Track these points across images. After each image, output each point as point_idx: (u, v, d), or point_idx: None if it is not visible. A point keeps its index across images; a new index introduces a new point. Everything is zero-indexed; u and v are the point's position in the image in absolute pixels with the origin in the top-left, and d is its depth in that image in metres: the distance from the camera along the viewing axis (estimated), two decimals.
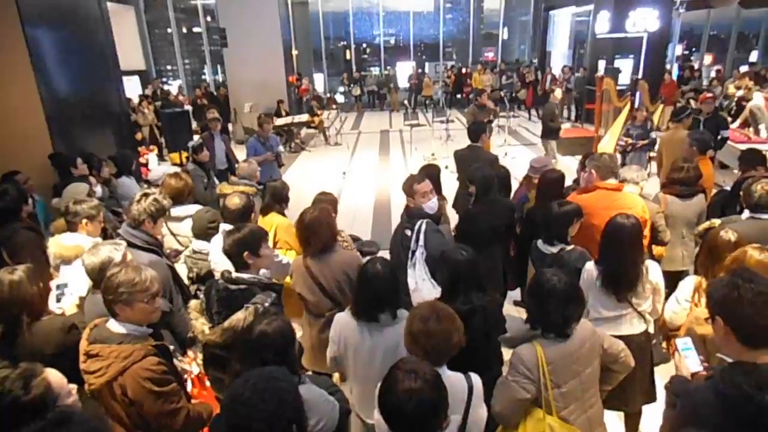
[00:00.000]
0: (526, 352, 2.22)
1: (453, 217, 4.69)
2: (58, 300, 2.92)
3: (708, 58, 20.61)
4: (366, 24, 25.16)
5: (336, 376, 3.04)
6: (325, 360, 2.76)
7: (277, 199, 4.04)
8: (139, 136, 10.97)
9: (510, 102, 15.43)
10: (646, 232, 3.57)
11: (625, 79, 11.59)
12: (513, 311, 4.79)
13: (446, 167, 6.68)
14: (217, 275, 2.91)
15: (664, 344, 3.56)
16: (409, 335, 2.05)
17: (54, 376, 1.81)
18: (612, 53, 12.62)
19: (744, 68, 15.84)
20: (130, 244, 2.99)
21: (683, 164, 4.14)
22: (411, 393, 1.60)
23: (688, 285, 2.87)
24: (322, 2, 22.31)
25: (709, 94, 8.26)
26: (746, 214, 3.41)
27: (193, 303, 2.80)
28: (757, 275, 1.70)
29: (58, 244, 3.23)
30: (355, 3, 23.02)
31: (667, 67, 15.32)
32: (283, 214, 4.04)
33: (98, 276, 2.50)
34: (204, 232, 3.56)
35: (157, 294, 2.25)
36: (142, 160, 9.23)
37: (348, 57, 23.62)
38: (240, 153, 8.30)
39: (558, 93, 9.75)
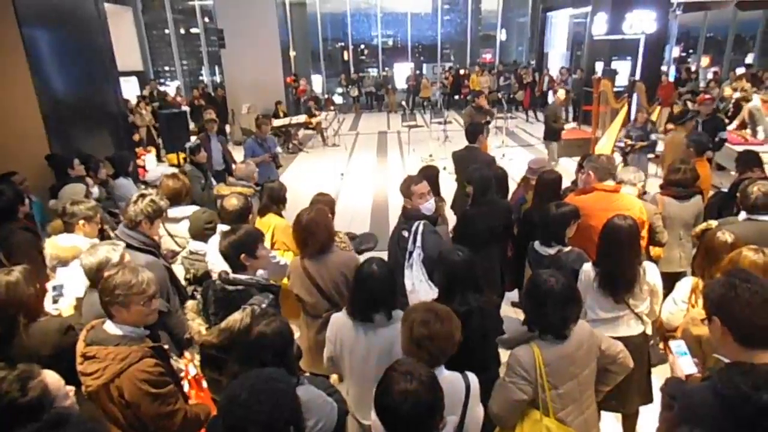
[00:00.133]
0: (524, 353, 2.22)
1: (451, 219, 4.69)
2: (55, 301, 2.91)
3: (705, 60, 20.66)
4: (364, 25, 25.16)
5: (334, 377, 3.04)
6: (322, 361, 2.76)
7: (274, 200, 4.04)
8: (136, 137, 10.97)
9: (508, 103, 15.45)
10: (644, 233, 3.57)
11: (622, 80, 11.63)
12: (510, 312, 4.79)
13: (444, 168, 6.68)
14: (215, 276, 2.91)
15: (661, 345, 3.56)
16: (410, 341, 2.03)
17: (51, 377, 1.81)
18: (609, 55, 12.66)
19: (740, 70, 15.89)
20: (127, 245, 2.98)
21: (680, 166, 4.15)
22: (407, 395, 1.60)
23: (685, 286, 2.87)
24: (320, 3, 22.30)
25: (708, 96, 8.27)
26: (743, 215, 3.42)
27: (190, 304, 2.80)
28: (754, 275, 1.70)
29: (54, 245, 3.22)
30: (353, 4, 23.01)
31: (664, 68, 15.37)
32: (281, 215, 4.04)
33: (95, 276, 2.50)
34: (201, 233, 3.55)
35: (154, 296, 2.25)
36: (139, 161, 9.22)
37: (346, 58, 23.63)
38: (238, 154, 8.30)
39: (561, 93, 9.63)
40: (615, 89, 8.59)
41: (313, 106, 15.01)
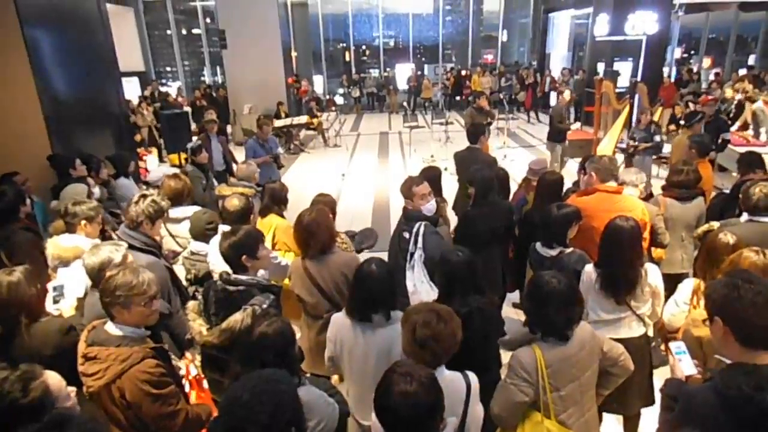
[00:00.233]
0: (525, 355, 2.21)
1: (453, 219, 4.68)
2: (56, 302, 2.91)
3: (707, 61, 20.65)
4: (365, 26, 25.16)
5: (334, 378, 3.04)
6: (323, 362, 2.76)
7: (275, 200, 4.04)
8: (138, 137, 10.96)
9: (509, 104, 15.44)
10: (646, 234, 3.57)
11: (624, 81, 11.62)
12: (512, 313, 4.78)
13: (445, 169, 6.67)
14: (216, 277, 2.91)
15: (662, 347, 3.56)
16: (414, 343, 2.02)
17: (53, 378, 1.81)
18: (611, 56, 12.64)
19: (742, 71, 15.87)
20: (129, 246, 2.98)
21: (683, 167, 4.14)
22: (407, 396, 1.60)
23: (686, 288, 2.87)
24: (321, 4, 22.31)
25: (711, 97, 8.25)
26: (745, 216, 3.41)
27: (191, 304, 2.80)
28: (756, 276, 1.70)
29: (56, 245, 3.22)
30: (354, 5, 23.03)
31: (666, 70, 15.35)
32: (282, 216, 4.04)
33: (98, 276, 2.50)
34: (202, 234, 3.55)
35: (155, 296, 2.25)
36: (141, 163, 9.22)
37: (347, 59, 23.65)
38: (239, 154, 8.30)
39: (567, 94, 9.51)
40: (617, 90, 8.58)
41: (314, 106, 15.02)
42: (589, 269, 2.95)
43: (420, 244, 3.34)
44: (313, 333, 3.11)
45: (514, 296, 4.72)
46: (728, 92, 11.63)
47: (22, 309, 2.34)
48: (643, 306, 2.88)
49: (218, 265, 3.02)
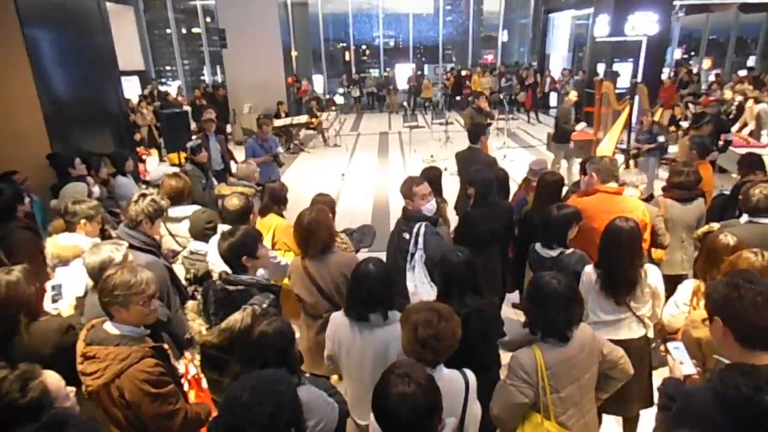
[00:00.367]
0: (525, 356, 2.21)
1: (454, 219, 4.68)
2: (54, 301, 2.90)
3: (707, 63, 20.66)
4: (365, 26, 25.15)
5: (334, 378, 3.04)
6: (322, 362, 2.76)
7: (275, 200, 4.04)
8: (137, 136, 10.96)
9: (509, 104, 15.44)
10: (647, 235, 3.57)
11: (624, 82, 11.61)
12: (511, 314, 4.78)
13: (445, 169, 6.67)
14: (215, 276, 2.90)
15: (662, 348, 3.55)
16: (415, 342, 2.02)
17: (52, 378, 1.80)
18: (611, 57, 12.64)
19: (742, 73, 15.88)
20: (128, 245, 2.97)
21: (683, 168, 4.14)
22: (405, 397, 1.60)
23: (686, 289, 2.87)
24: (321, 3, 22.31)
25: (713, 98, 8.23)
26: (745, 218, 3.41)
27: (191, 304, 2.80)
28: (757, 277, 1.69)
29: (55, 244, 3.22)
30: (354, 4, 23.03)
31: (666, 71, 15.36)
32: (282, 216, 4.04)
33: (98, 275, 2.49)
34: (201, 233, 3.55)
35: (154, 296, 2.25)
36: (141, 165, 9.21)
37: (347, 58, 23.65)
38: (239, 154, 8.29)
39: (573, 95, 9.44)
40: (617, 91, 8.56)
41: (314, 106, 15.01)
42: (589, 270, 2.95)
43: (421, 244, 3.34)
44: (312, 333, 3.10)
45: (514, 297, 4.71)
46: (727, 94, 11.65)
47: (21, 308, 2.33)
48: (643, 307, 2.88)
49: (218, 265, 3.02)
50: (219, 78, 20.70)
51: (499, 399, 2.25)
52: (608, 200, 3.58)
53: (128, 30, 15.92)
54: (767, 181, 3.95)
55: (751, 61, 20.02)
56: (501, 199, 4.28)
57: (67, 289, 2.96)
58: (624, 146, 7.64)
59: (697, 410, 1.61)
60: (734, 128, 9.58)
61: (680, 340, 2.37)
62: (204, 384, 2.79)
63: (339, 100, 20.99)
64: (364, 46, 26.11)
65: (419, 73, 22.24)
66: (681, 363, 2.06)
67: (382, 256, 3.28)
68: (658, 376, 3.17)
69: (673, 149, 7.91)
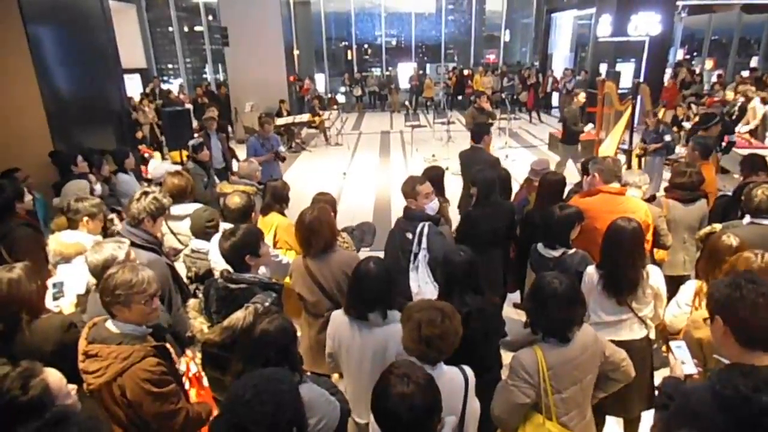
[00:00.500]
0: (527, 356, 2.20)
1: (457, 219, 4.67)
2: (56, 298, 2.90)
3: (709, 63, 20.63)
4: (368, 25, 25.16)
5: (335, 376, 3.03)
6: (323, 361, 2.76)
7: (277, 198, 4.04)
8: (139, 134, 10.96)
9: (511, 104, 15.43)
10: (649, 236, 3.56)
11: (626, 82, 11.61)
12: (512, 314, 4.78)
13: (447, 168, 6.67)
14: (217, 274, 2.90)
15: (664, 348, 3.55)
16: (419, 341, 2.02)
17: (53, 376, 1.80)
18: (613, 57, 12.63)
19: (745, 73, 15.85)
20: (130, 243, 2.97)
21: (685, 169, 4.13)
22: (404, 397, 1.60)
23: (689, 289, 2.87)
24: (324, 2, 22.33)
25: (717, 98, 8.21)
26: (747, 219, 3.41)
27: (192, 302, 2.80)
28: (759, 277, 1.69)
29: (58, 242, 3.21)
30: (357, 4, 23.03)
31: (668, 71, 15.33)
32: (283, 214, 4.03)
33: (101, 273, 2.49)
34: (202, 231, 3.55)
35: (155, 294, 2.24)
36: (143, 166, 9.21)
37: (349, 57, 23.66)
38: (241, 152, 8.29)
39: (582, 97, 9.39)
40: (619, 91, 8.55)
41: (317, 105, 14.99)
42: (591, 270, 2.95)
43: (424, 244, 3.34)
44: (313, 331, 3.10)
45: (515, 296, 4.71)
46: (729, 94, 11.65)
47: (22, 306, 2.33)
48: (645, 308, 2.88)
49: (219, 263, 3.01)
50: (221, 76, 20.70)
51: (500, 399, 2.25)
52: (611, 201, 3.58)
53: (130, 28, 15.92)
54: None
55: (753, 62, 19.97)
56: (503, 199, 4.27)
57: (68, 287, 2.96)
58: (626, 146, 7.63)
59: (694, 409, 1.60)
60: (743, 129, 9.54)
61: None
62: (205, 382, 2.79)
63: (341, 99, 21.02)
64: (366, 45, 26.11)
65: (421, 72, 22.23)
66: (682, 362, 2.05)
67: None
68: (660, 377, 3.17)
69: (678, 150, 7.89)
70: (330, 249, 3.05)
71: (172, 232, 3.95)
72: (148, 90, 15.21)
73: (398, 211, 3.79)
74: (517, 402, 2.18)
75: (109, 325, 2.18)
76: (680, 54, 21.07)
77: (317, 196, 3.83)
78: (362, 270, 2.47)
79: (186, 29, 21.68)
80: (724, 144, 7.17)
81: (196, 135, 7.78)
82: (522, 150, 12.43)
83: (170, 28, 20.22)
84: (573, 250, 3.20)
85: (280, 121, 12.72)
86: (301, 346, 2.51)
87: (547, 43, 20.64)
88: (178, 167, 6.18)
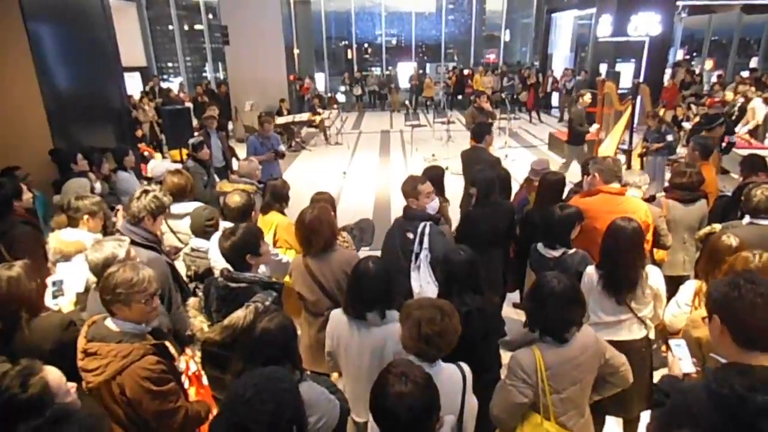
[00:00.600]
0: (525, 356, 2.20)
1: (456, 219, 4.67)
2: (55, 297, 2.90)
3: (709, 63, 20.64)
4: (368, 24, 25.16)
5: (334, 375, 3.04)
6: (322, 360, 2.76)
7: (277, 198, 4.03)
8: (139, 133, 10.96)
9: (511, 104, 15.43)
10: (649, 236, 3.56)
11: (626, 82, 11.61)
12: (512, 313, 4.78)
13: (446, 168, 6.67)
14: (217, 273, 2.90)
15: (663, 348, 3.55)
16: (419, 339, 2.02)
17: (53, 374, 1.80)
18: (613, 57, 12.65)
19: (745, 74, 15.85)
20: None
21: (685, 169, 4.13)
22: (402, 397, 1.60)
23: (688, 289, 2.87)
24: (324, 2, 22.32)
25: (717, 99, 8.21)
26: (746, 219, 3.41)
27: (192, 301, 2.80)
28: (758, 277, 1.69)
29: (58, 240, 3.21)
30: (357, 3, 23.02)
31: (668, 72, 15.34)
32: (283, 213, 4.03)
33: (102, 272, 2.49)
34: (202, 230, 3.54)
35: (155, 293, 2.24)
36: (143, 166, 9.21)
37: (349, 57, 23.65)
38: (241, 151, 8.28)
39: (587, 97, 9.36)
40: (619, 91, 8.55)
41: (317, 104, 14.98)
42: (591, 270, 2.95)
43: (426, 244, 3.33)
44: (313, 330, 3.10)
45: (515, 296, 4.71)
46: (728, 95, 11.65)
47: (22, 304, 2.33)
48: (645, 308, 2.88)
49: (219, 262, 3.01)
50: (221, 75, 20.69)
51: (498, 399, 2.25)
52: (611, 201, 3.58)
53: (130, 26, 15.93)
54: None
55: (753, 63, 19.98)
56: (503, 198, 4.27)
57: (68, 285, 2.96)
58: (625, 146, 7.63)
59: (690, 408, 1.60)
60: (743, 129, 9.55)
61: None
62: (204, 381, 2.78)
63: (341, 98, 21.01)
64: (366, 45, 26.11)
65: (421, 71, 22.24)
66: (680, 359, 2.05)
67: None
68: (659, 377, 3.18)
69: (678, 150, 7.89)
70: (330, 248, 3.05)
71: (172, 230, 3.95)
72: (148, 88, 15.20)
73: (398, 210, 3.79)
74: (515, 401, 2.18)
75: (109, 323, 2.18)
76: (680, 54, 21.08)
77: (316, 196, 3.83)
78: (361, 269, 2.47)
79: (186, 27, 21.68)
80: (724, 144, 7.17)
81: (196, 134, 7.77)
82: (522, 150, 12.43)
83: (170, 27, 20.22)
84: (573, 250, 3.21)
85: (280, 120, 12.71)
86: (300, 344, 2.51)
87: (547, 43, 20.65)
88: (178, 166, 6.17)
